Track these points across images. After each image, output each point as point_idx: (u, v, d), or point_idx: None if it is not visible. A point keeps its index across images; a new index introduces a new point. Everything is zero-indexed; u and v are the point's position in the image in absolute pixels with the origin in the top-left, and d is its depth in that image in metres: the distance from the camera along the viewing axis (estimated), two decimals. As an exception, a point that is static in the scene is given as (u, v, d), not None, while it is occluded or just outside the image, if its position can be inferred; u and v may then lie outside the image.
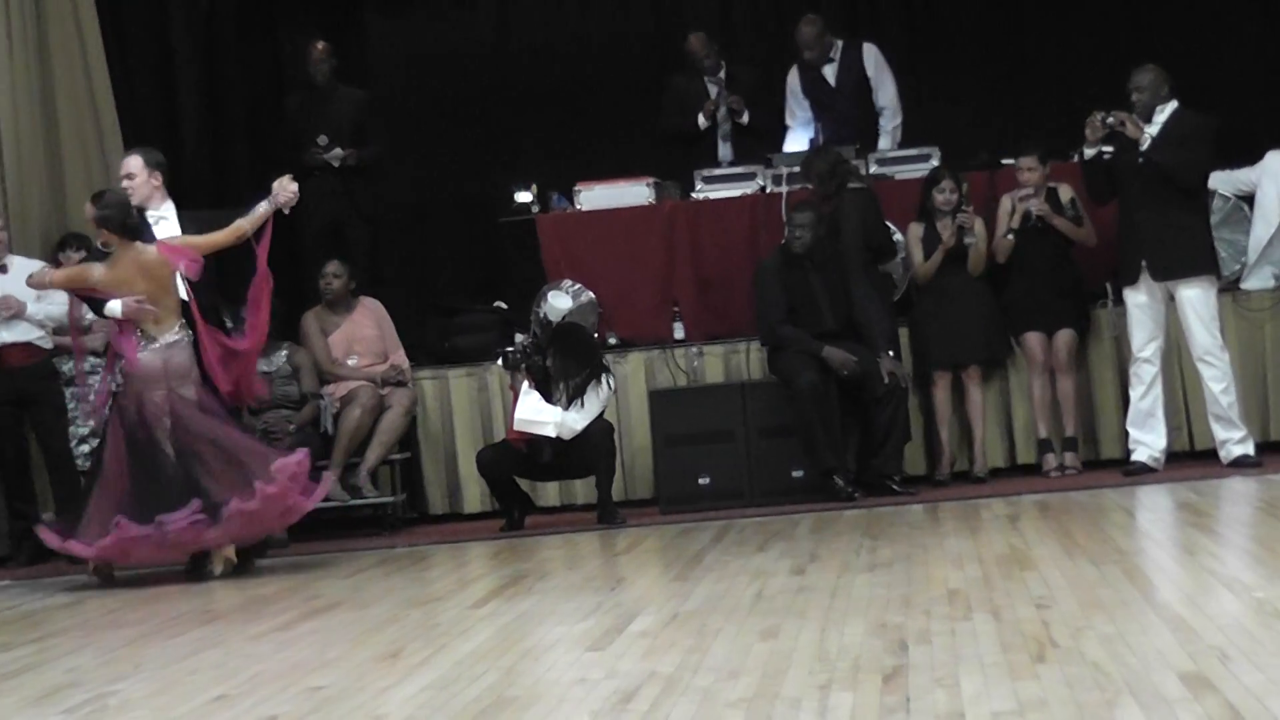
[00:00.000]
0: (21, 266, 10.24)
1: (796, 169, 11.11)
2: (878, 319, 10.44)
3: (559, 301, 10.97)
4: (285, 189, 9.37)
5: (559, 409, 10.02)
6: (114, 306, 9.13)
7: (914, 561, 7.62)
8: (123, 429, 9.14)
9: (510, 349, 10.37)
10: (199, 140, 12.58)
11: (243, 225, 9.27)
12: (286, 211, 9.48)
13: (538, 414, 10.04)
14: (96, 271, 9.17)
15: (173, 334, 9.15)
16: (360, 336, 11.11)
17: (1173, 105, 10.09)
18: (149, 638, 7.59)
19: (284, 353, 10.82)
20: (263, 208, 9.33)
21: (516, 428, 10.11)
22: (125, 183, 9.46)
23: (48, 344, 10.40)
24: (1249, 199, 10.94)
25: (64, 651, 7.28)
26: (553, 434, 10.02)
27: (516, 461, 10.24)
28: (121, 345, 9.21)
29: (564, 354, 10.14)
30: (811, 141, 11.59)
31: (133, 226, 9.11)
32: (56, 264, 10.76)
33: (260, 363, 10.67)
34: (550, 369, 10.11)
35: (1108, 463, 10.61)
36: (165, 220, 9.42)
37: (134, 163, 9.50)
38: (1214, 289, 10.14)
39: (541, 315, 10.92)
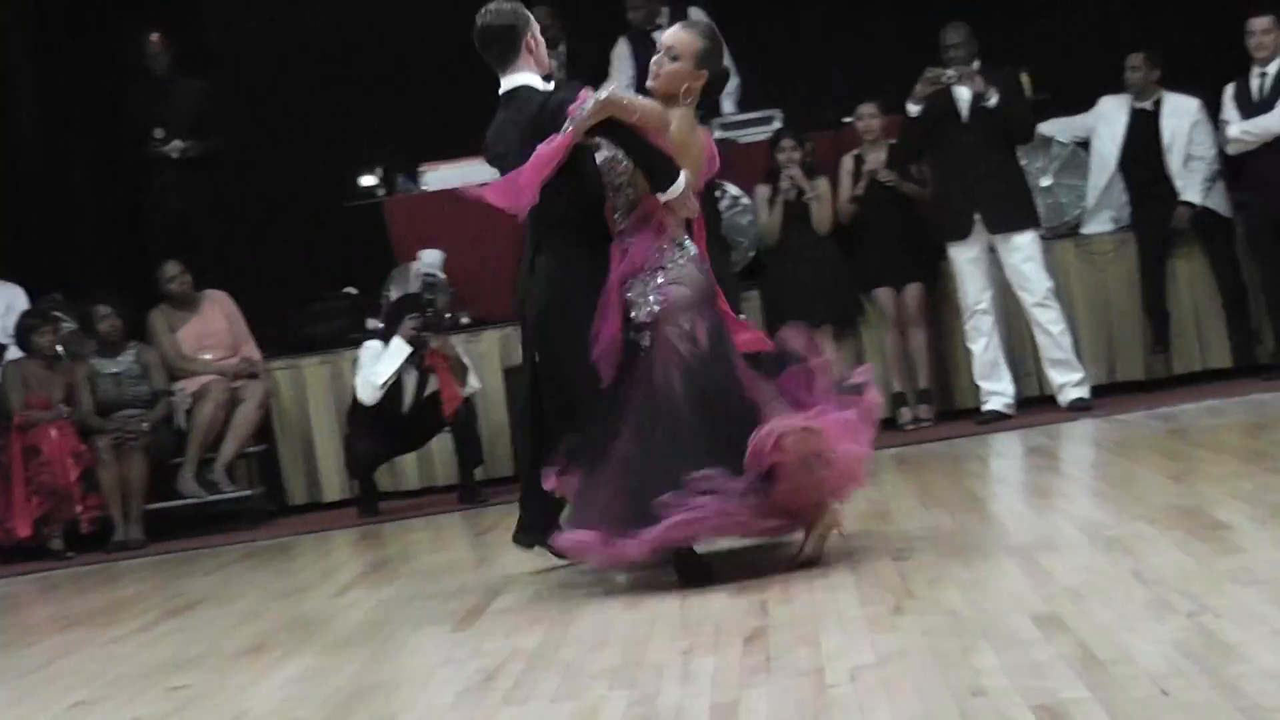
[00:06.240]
0: None
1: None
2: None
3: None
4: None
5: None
6: None
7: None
8: None
9: (414, 326, 10.19)
10: (35, 140, 12.33)
11: None
12: None
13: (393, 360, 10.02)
14: None
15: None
16: (210, 331, 10.99)
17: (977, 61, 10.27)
18: (3, 649, 7.47)
19: (132, 353, 10.67)
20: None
21: (380, 385, 10.01)
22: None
23: None
24: (1085, 145, 11.07)
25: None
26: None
27: (380, 435, 10.13)
28: None
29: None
30: None
31: None
32: None
33: (106, 364, 10.56)
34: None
35: (962, 413, 10.71)
36: None
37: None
38: (1038, 236, 10.32)
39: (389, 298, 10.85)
